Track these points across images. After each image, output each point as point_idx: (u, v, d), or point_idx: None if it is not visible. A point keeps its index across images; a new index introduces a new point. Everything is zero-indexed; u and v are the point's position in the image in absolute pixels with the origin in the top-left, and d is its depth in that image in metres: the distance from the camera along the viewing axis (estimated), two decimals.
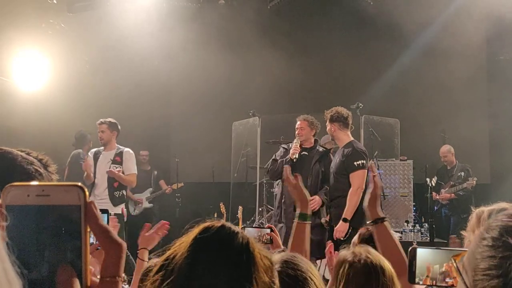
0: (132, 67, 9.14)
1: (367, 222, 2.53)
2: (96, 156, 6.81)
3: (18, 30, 7.53)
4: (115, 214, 6.62)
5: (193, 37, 9.14)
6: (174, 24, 8.90)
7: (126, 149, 6.86)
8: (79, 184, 0.85)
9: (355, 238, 3.10)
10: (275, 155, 6.24)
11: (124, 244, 0.91)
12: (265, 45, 9.66)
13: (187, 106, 10.51)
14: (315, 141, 6.13)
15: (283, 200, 6.03)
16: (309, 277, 1.72)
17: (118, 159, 6.75)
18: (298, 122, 6.07)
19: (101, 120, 6.79)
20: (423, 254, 1.74)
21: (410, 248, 1.83)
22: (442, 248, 1.73)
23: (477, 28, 9.36)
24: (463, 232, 2.54)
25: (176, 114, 11.07)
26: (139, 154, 9.18)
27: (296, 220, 2.66)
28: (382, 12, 8.83)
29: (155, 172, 9.54)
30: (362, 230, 3.16)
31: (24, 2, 7.64)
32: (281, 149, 6.28)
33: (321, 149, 6.10)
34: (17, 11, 7.47)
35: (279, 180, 6.21)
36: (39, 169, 1.59)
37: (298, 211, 2.68)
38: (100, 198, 6.59)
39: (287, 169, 2.92)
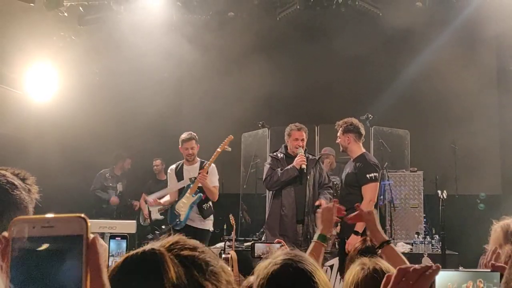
0: (141, 79, 9.19)
1: (376, 248, 2.54)
2: (179, 171, 6.75)
3: (29, 43, 7.60)
4: (202, 231, 6.37)
5: (203, 49, 9.18)
6: (183, 36, 8.95)
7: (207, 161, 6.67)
8: (82, 215, 0.87)
9: (351, 253, 3.10)
10: (269, 165, 6.14)
11: None
12: (274, 56, 9.68)
13: (197, 117, 10.51)
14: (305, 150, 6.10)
15: (283, 212, 5.88)
16: (316, 269, 1.74)
17: None
18: (303, 134, 5.99)
19: (189, 135, 6.70)
20: (443, 277, 1.66)
21: None
22: (461, 270, 1.67)
23: (486, 38, 9.34)
24: (486, 246, 2.48)
25: (186, 125, 11.05)
26: (152, 164, 9.15)
27: (315, 239, 2.70)
28: (391, 22, 8.83)
29: None
30: (356, 244, 3.17)
31: (35, 15, 7.72)
32: (270, 158, 6.22)
33: (310, 156, 6.09)
34: (28, 24, 7.55)
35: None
36: (11, 180, 1.58)
37: (319, 231, 2.73)
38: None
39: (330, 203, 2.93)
